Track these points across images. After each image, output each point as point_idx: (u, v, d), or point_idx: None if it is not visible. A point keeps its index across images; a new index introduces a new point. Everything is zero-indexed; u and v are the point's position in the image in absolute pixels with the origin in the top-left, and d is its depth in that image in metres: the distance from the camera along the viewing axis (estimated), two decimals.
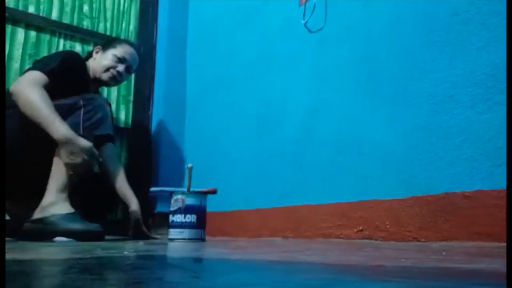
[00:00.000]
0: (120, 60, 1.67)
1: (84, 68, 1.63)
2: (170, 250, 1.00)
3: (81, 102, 1.38)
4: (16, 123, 1.34)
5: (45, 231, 1.28)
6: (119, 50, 1.68)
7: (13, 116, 1.34)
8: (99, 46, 1.70)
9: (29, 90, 1.32)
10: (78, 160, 1.32)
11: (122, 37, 2.15)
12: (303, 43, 1.62)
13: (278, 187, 1.61)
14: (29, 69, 1.43)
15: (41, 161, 1.35)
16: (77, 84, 1.50)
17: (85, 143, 1.33)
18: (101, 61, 1.65)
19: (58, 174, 1.34)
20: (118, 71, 1.66)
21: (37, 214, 1.32)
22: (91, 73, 1.65)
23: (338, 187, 1.40)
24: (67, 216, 1.30)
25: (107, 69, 1.65)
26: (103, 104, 1.46)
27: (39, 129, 1.29)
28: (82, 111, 1.38)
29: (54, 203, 1.32)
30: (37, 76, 1.37)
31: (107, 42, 1.75)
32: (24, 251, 0.80)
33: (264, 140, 1.72)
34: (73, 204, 1.35)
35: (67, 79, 1.44)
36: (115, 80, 1.69)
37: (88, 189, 1.49)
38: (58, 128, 1.30)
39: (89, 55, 1.72)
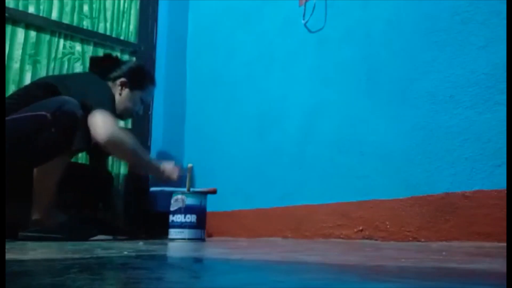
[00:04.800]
0: (143, 102, 1.70)
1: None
2: (170, 250, 1.00)
3: None
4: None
5: (40, 239, 1.32)
6: (147, 95, 1.71)
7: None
8: (125, 80, 1.61)
9: (122, 136, 1.41)
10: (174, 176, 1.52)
11: (122, 37, 2.15)
12: (303, 43, 1.62)
13: (278, 187, 1.61)
14: (97, 106, 1.39)
15: (30, 170, 1.35)
16: None
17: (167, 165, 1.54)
18: (126, 102, 1.61)
19: (42, 190, 1.34)
20: (137, 112, 1.69)
21: (31, 226, 1.35)
22: None
23: (338, 187, 1.40)
24: (61, 225, 1.35)
25: (129, 111, 1.65)
26: None
27: (10, 145, 1.29)
28: None
29: (47, 217, 1.35)
30: (113, 118, 1.41)
31: (134, 75, 1.64)
32: (24, 251, 0.80)
33: (264, 140, 1.72)
34: (65, 202, 1.41)
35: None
36: (131, 117, 1.74)
37: (81, 183, 1.50)
38: (152, 163, 1.54)
39: (107, 67, 1.62)
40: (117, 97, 1.58)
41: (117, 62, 1.67)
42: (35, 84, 1.50)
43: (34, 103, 1.33)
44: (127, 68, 1.65)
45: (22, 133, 1.29)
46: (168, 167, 1.53)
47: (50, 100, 1.33)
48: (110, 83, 1.59)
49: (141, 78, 1.66)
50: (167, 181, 1.53)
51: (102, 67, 1.62)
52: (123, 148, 1.41)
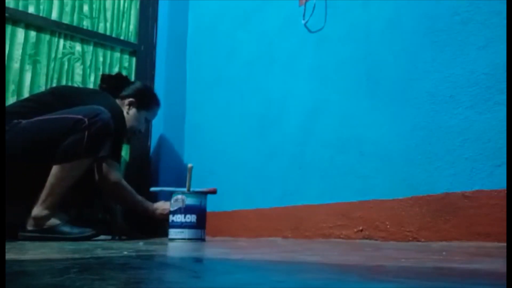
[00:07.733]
0: (147, 121, 1.78)
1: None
2: (170, 250, 1.00)
3: None
4: (14, 135, 1.34)
5: (40, 239, 1.32)
6: (152, 115, 1.79)
7: (13, 129, 1.34)
8: (133, 100, 1.69)
9: (121, 182, 1.55)
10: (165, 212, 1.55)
11: (122, 37, 2.15)
12: (303, 43, 1.62)
13: (278, 187, 1.61)
14: (108, 155, 1.49)
15: (35, 170, 1.35)
16: None
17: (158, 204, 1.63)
18: (132, 121, 1.68)
19: (55, 188, 1.34)
20: (139, 130, 1.74)
21: (31, 226, 1.34)
22: None
23: (338, 187, 1.40)
24: (62, 225, 1.36)
25: (134, 129, 1.71)
26: None
27: (37, 143, 1.35)
28: None
29: (49, 216, 1.35)
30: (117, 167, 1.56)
31: (142, 96, 1.72)
32: (24, 251, 0.80)
33: (264, 140, 1.72)
34: (65, 202, 1.41)
35: None
36: (134, 135, 1.79)
37: (81, 183, 1.50)
38: (145, 203, 1.61)
39: (116, 85, 1.70)
40: (124, 114, 1.65)
41: (127, 81, 1.76)
42: (50, 92, 1.54)
43: (50, 110, 1.40)
44: (135, 88, 1.74)
45: (53, 132, 1.34)
46: (160, 205, 1.61)
47: (86, 107, 1.41)
48: (118, 101, 1.68)
49: (148, 99, 1.76)
50: (161, 218, 1.59)
51: (112, 85, 1.71)
52: (125, 194, 1.55)
